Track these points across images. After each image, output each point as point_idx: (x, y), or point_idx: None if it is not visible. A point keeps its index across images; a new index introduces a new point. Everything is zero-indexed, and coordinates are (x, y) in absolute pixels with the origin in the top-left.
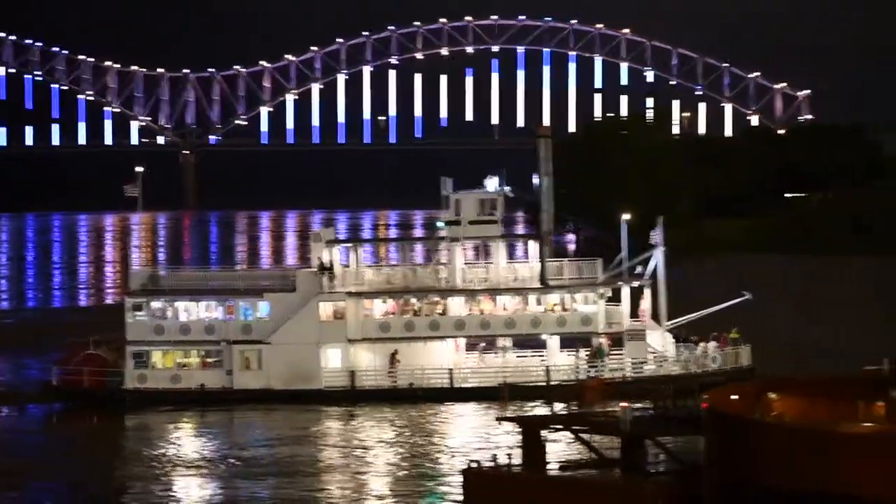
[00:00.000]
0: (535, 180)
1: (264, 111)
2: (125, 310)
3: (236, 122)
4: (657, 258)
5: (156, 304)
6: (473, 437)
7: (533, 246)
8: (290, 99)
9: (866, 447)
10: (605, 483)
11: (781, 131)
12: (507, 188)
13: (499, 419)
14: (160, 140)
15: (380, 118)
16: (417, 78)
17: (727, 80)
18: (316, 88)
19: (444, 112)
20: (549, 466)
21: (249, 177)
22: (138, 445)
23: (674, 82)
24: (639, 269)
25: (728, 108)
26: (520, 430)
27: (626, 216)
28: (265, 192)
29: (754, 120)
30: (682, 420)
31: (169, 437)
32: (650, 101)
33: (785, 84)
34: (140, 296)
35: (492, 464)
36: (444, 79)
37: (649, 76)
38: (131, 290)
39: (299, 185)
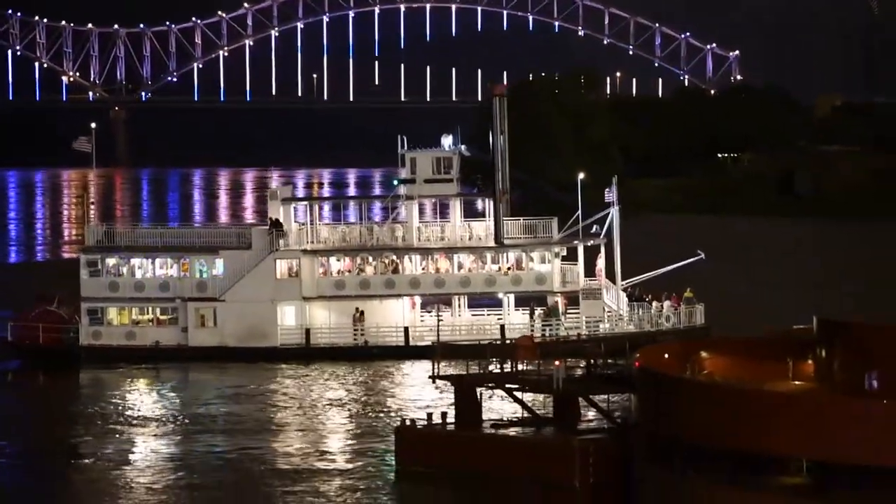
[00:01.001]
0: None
1: (196, 68)
2: (80, 266)
3: (167, 78)
4: (612, 217)
5: (111, 261)
6: (423, 395)
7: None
8: (221, 56)
9: (793, 406)
10: (536, 440)
11: (712, 92)
12: (462, 147)
13: (432, 378)
14: (90, 96)
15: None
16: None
17: (658, 40)
18: (248, 45)
19: (377, 70)
20: (482, 424)
21: (180, 134)
22: (93, 402)
23: (606, 42)
24: (594, 229)
25: (659, 69)
26: (454, 388)
27: (581, 175)
28: (196, 149)
29: (686, 80)
30: (613, 379)
31: (123, 393)
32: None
33: (715, 44)
34: (95, 252)
35: (425, 422)
36: (377, 36)
37: (581, 35)
38: (86, 246)
39: (231, 142)
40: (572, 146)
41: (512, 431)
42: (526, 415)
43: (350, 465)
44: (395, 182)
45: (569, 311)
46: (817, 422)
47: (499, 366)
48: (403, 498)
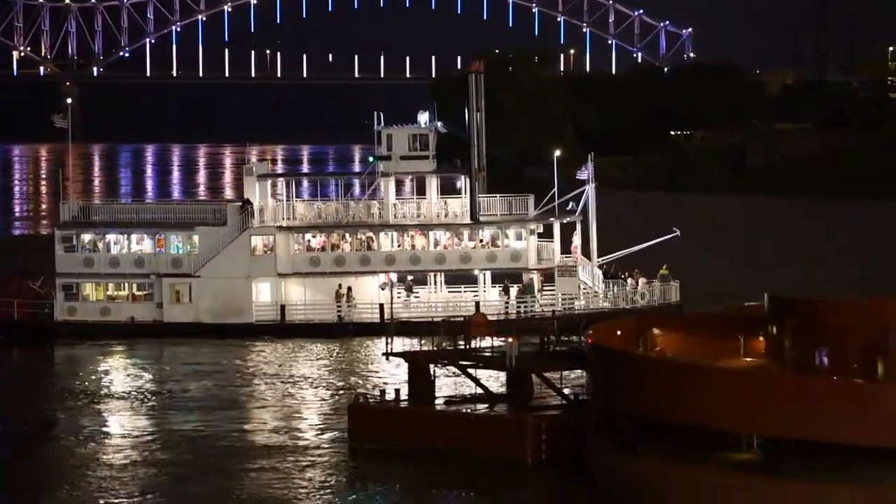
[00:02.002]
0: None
1: (148, 43)
2: (55, 242)
3: (119, 53)
4: (588, 194)
5: (86, 237)
6: (397, 372)
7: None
8: (174, 31)
9: (744, 382)
10: (488, 417)
11: (665, 69)
12: (438, 123)
13: (385, 355)
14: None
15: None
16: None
17: (612, 17)
18: (201, 20)
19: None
20: (435, 401)
21: (133, 109)
22: (67, 378)
23: (560, 19)
24: (570, 206)
25: (613, 46)
26: (407, 364)
27: (557, 152)
28: (149, 125)
29: (639, 58)
30: (567, 355)
31: (98, 369)
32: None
33: (668, 22)
34: (70, 228)
35: (378, 398)
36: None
37: (536, 12)
38: (61, 222)
39: (183, 118)
40: (527, 124)
41: (465, 408)
42: (479, 391)
43: (308, 442)
44: (372, 159)
45: (544, 287)
46: (768, 398)
47: (452, 342)
48: (355, 474)
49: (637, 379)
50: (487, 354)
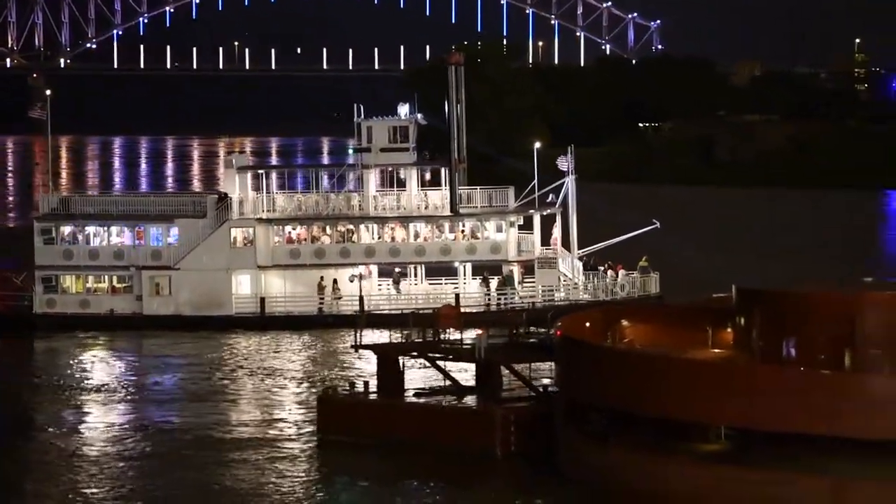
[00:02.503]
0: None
1: (115, 34)
2: (34, 234)
3: (86, 45)
4: (568, 186)
5: (66, 229)
6: (372, 364)
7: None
8: (141, 22)
9: (712, 373)
10: (457, 409)
11: (633, 62)
12: (418, 115)
13: (355, 347)
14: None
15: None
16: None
17: (580, 8)
18: (168, 12)
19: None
20: (404, 393)
21: (100, 101)
22: (45, 370)
23: (529, 11)
24: (550, 198)
25: (581, 38)
26: (376, 357)
27: (537, 144)
28: (116, 116)
29: (607, 50)
30: (535, 347)
31: (77, 362)
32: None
33: (636, 14)
34: (49, 220)
35: (347, 390)
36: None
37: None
38: (41, 214)
39: (151, 110)
40: (496, 115)
41: (433, 400)
42: (448, 383)
43: (280, 434)
44: (351, 150)
45: (525, 279)
46: (735, 389)
47: (421, 334)
48: (322, 466)
49: (605, 370)
50: (457, 346)
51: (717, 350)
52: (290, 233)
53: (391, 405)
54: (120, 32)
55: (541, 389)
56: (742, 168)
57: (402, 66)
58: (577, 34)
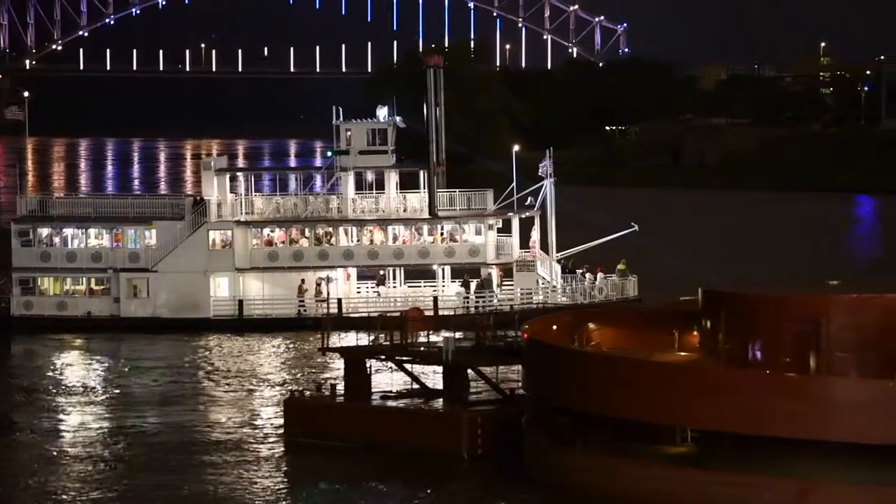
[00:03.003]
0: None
1: (82, 36)
2: (12, 236)
3: (52, 47)
4: (546, 189)
5: (43, 231)
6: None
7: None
8: (108, 24)
9: (678, 376)
10: (424, 411)
11: (600, 65)
12: (398, 118)
13: (322, 350)
14: None
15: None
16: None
17: (547, 11)
18: (134, 13)
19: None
20: (371, 396)
21: (66, 103)
22: (22, 373)
23: (495, 14)
24: (529, 201)
25: (548, 41)
26: (343, 360)
27: (516, 147)
28: (83, 119)
29: (574, 53)
30: (502, 350)
31: (54, 364)
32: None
33: (603, 17)
34: (27, 222)
35: (313, 393)
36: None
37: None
38: (18, 216)
39: (118, 112)
40: (462, 117)
41: (400, 403)
42: (415, 386)
43: (249, 437)
44: (330, 153)
45: (503, 282)
46: (701, 391)
47: (388, 338)
48: (289, 469)
49: (572, 373)
50: (424, 349)
51: (683, 353)
52: (268, 235)
53: (357, 408)
54: (85, 34)
55: (508, 392)
56: (709, 171)
57: (369, 69)
58: (545, 37)
